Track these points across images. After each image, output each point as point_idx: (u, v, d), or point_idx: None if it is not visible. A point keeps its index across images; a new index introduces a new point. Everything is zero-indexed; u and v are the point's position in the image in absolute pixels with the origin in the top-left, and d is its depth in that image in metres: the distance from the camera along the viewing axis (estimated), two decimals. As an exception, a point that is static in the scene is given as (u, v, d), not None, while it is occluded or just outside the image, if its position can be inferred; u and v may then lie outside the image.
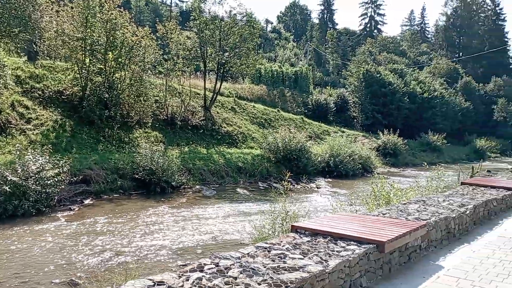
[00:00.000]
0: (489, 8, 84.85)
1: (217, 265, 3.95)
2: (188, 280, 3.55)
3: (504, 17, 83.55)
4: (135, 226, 12.14)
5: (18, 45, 20.01)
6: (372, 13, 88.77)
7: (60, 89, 21.83)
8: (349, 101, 44.16)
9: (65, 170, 14.29)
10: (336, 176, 24.34)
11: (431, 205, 7.58)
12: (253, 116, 31.60)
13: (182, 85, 26.34)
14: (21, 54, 22.09)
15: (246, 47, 28.22)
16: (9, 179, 12.31)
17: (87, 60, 21.59)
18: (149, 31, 23.93)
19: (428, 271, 5.56)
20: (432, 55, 79.30)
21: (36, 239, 10.46)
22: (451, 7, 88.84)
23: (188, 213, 14.17)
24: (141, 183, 17.58)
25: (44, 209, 13.02)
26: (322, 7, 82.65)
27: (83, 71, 21.51)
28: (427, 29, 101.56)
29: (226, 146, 25.49)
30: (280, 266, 3.97)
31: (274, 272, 3.83)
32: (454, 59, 78.28)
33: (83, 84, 21.55)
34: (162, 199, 16.36)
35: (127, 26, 22.92)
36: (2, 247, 9.74)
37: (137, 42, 23.14)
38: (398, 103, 43.67)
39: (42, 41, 21.17)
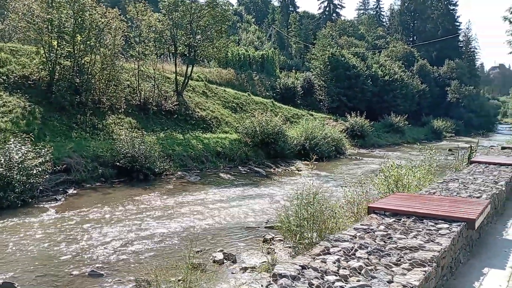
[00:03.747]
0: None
1: (338, 247, 3.96)
2: (325, 262, 3.54)
3: (456, 2, 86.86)
4: (132, 214, 11.84)
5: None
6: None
7: (26, 74, 20.57)
8: (315, 85, 44.77)
9: (47, 159, 13.64)
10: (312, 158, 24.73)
11: (468, 183, 7.85)
12: (225, 100, 31.33)
13: (155, 69, 25.59)
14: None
15: (217, 30, 27.76)
16: (-9, 169, 11.59)
17: (55, 43, 20.48)
18: (119, 13, 23.00)
19: (502, 244, 5.77)
20: (388, 39, 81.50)
21: (34, 231, 9.97)
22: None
23: (181, 199, 14.00)
24: (123, 170, 17.09)
25: (29, 200, 12.41)
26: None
27: (51, 54, 20.38)
28: (382, 13, 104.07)
29: (201, 131, 25.18)
30: (399, 247, 4.03)
31: (399, 252, 3.88)
32: (409, 43, 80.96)
33: (51, 69, 20.45)
34: (147, 186, 16.02)
35: (95, 7, 21.90)
36: (0, 240, 9.21)
37: (107, 24, 22.21)
38: (362, 86, 44.78)
39: (6, 22, 19.81)
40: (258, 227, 10.79)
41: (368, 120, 36.23)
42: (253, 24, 70.43)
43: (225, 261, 8.24)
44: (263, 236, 9.82)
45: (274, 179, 19.13)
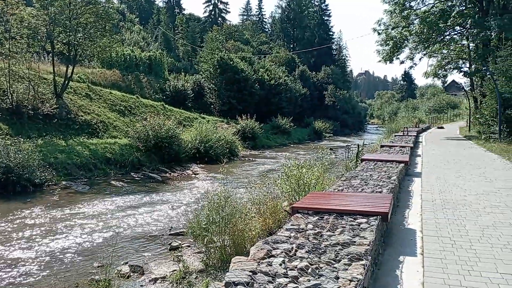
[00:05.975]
0: (316, 4, 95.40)
1: (279, 249, 3.88)
2: (271, 265, 3.39)
3: (329, 13, 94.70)
4: (12, 232, 10.35)
5: None
6: (216, 1, 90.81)
7: None
8: (205, 88, 44.78)
9: None
10: (207, 161, 24.65)
11: (367, 179, 8.41)
12: (112, 103, 29.51)
13: (29, 69, 22.95)
14: None
15: (101, 28, 26.02)
16: None
17: None
18: (-17, 4, 20.19)
19: (408, 233, 6.21)
20: (272, 44, 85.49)
21: None
22: (285, 1, 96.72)
23: (69, 211, 12.70)
24: (-5, 183, 14.94)
25: None
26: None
27: None
28: (264, 20, 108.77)
29: (87, 137, 23.32)
30: (332, 244, 4.10)
31: (335, 248, 3.96)
32: (291, 49, 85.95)
33: None
34: (28, 200, 14.23)
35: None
36: None
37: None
38: (250, 89, 46.05)
39: None
40: (162, 235, 10.29)
41: (258, 122, 37.43)
42: (137, 24, 67.74)
43: (132, 273, 7.66)
44: (169, 244, 9.39)
45: (171, 184, 18.56)
